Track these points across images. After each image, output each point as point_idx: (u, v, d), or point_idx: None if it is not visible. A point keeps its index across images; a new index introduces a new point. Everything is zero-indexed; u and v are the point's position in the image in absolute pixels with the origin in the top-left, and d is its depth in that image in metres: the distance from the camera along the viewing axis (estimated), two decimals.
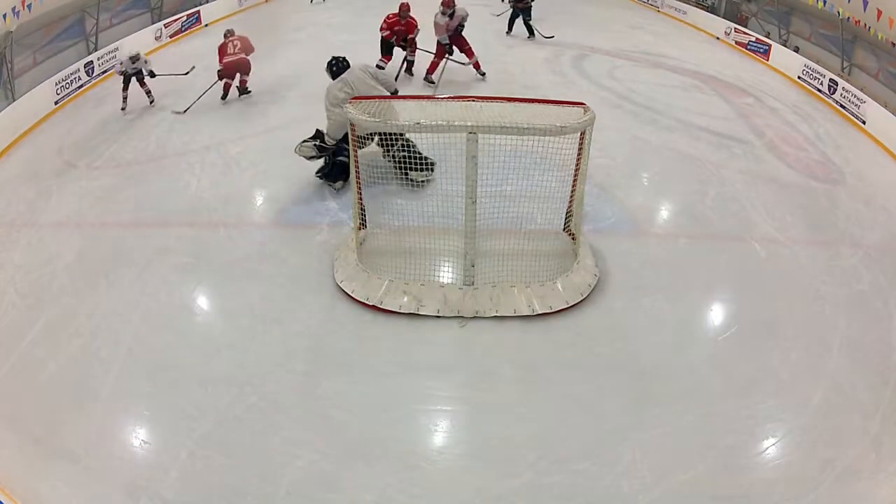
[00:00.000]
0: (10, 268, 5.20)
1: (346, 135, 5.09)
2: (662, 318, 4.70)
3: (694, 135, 7.84)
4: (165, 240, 5.58)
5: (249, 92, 8.87)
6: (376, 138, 5.84)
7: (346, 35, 11.37)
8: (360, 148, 5.04)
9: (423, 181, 6.03)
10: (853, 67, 10.07)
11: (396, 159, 5.87)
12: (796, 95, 9.72)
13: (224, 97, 8.70)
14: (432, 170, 5.90)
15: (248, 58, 8.73)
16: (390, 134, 5.66)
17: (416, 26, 8.99)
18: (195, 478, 3.50)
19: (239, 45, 8.59)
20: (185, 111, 8.17)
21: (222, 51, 8.56)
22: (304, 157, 6.23)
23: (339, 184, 6.23)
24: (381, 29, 9.01)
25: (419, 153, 5.73)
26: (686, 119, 8.14)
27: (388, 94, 6.02)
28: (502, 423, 3.84)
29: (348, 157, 5.25)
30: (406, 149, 5.85)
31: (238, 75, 8.69)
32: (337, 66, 6.14)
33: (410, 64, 9.37)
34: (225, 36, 8.79)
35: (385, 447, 3.69)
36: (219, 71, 8.50)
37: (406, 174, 5.89)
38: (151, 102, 8.49)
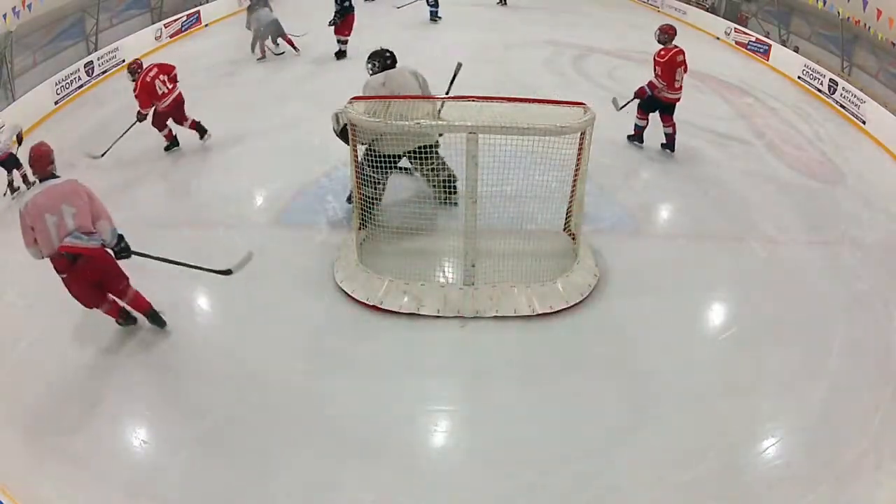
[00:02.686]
0: (10, 268, 5.19)
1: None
2: (662, 318, 4.70)
3: (694, 134, 7.84)
4: (165, 240, 5.57)
5: (207, 131, 7.31)
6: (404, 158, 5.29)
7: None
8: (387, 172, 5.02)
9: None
10: (853, 67, 10.08)
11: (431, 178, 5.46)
12: (796, 95, 9.72)
13: (169, 147, 7.15)
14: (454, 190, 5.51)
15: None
16: (422, 149, 5.06)
17: None
18: (195, 478, 3.50)
19: (168, 81, 6.81)
20: (102, 155, 6.92)
21: (149, 91, 6.74)
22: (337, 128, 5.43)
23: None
24: None
25: (450, 175, 5.41)
26: (686, 119, 8.10)
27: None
28: (502, 423, 3.84)
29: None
30: (439, 168, 5.34)
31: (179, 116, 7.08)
32: (381, 61, 5.42)
33: None
34: (137, 71, 6.80)
35: (385, 447, 3.68)
36: (154, 116, 6.92)
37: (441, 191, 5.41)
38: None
